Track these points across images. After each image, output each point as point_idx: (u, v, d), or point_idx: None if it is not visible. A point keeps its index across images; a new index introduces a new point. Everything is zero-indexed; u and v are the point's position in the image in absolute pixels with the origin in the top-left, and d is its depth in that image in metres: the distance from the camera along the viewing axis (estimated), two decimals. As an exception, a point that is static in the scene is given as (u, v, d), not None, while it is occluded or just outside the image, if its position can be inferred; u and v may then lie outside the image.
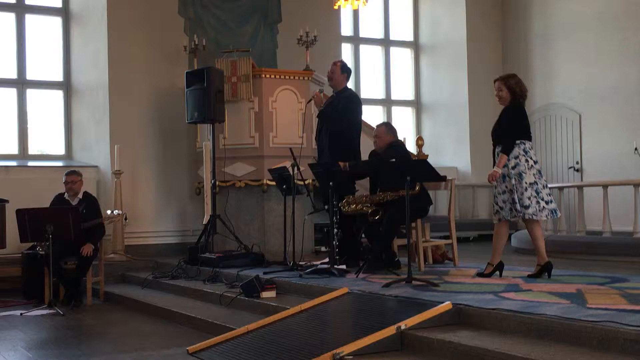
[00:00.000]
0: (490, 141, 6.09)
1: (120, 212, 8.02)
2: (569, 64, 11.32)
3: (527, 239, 9.18)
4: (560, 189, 9.32)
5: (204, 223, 8.44)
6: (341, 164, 6.83)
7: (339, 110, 7.23)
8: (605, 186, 8.51)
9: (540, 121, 11.77)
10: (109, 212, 8.01)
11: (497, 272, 6.07)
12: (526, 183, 5.79)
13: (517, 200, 5.79)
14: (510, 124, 5.88)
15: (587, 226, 8.73)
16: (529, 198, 5.78)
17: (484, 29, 12.34)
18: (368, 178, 7.23)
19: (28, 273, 7.92)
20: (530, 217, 5.80)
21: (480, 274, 6.08)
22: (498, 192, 5.91)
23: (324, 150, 7.34)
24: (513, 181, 5.81)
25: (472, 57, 12.18)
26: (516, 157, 5.82)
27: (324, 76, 8.50)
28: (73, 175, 7.90)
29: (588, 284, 5.49)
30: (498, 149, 5.91)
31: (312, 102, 7.61)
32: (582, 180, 10.93)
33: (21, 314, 7.00)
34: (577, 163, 11.20)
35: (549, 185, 9.59)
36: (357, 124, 7.40)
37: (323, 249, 8.95)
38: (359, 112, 7.42)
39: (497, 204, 5.94)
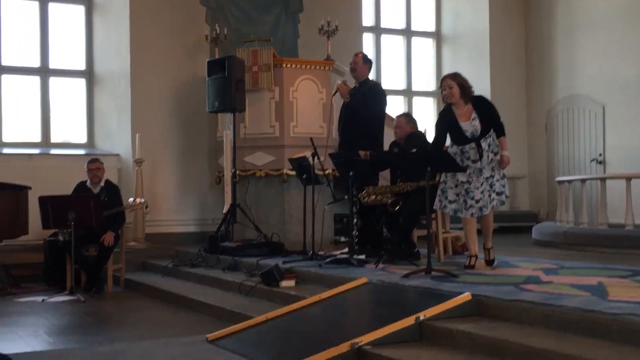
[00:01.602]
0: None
1: (142, 200, 8.06)
2: (592, 55, 11.18)
3: (548, 231, 9.14)
4: (583, 181, 9.23)
5: (224, 212, 8.46)
6: (362, 152, 6.82)
7: (363, 101, 7.21)
8: (628, 179, 8.42)
9: (563, 113, 11.66)
10: (130, 200, 8.06)
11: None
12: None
13: (495, 189, 5.95)
14: (496, 110, 6.06)
15: (610, 219, 8.64)
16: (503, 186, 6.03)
17: (506, 20, 12.22)
18: (389, 169, 7.21)
19: (50, 260, 8.00)
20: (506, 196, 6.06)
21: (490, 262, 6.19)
22: (497, 179, 5.95)
23: (347, 141, 7.32)
24: (493, 168, 5.94)
25: (495, 48, 12.08)
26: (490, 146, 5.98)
27: (345, 66, 8.48)
28: (96, 163, 7.97)
29: (609, 277, 5.44)
30: (486, 139, 5.91)
31: (337, 93, 7.58)
32: (604, 172, 10.82)
33: (43, 300, 7.07)
34: (600, 155, 11.08)
35: (572, 178, 9.56)
36: (381, 115, 7.39)
37: (342, 239, 8.94)
38: (384, 104, 7.41)
39: (495, 190, 5.96)
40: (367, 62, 7.45)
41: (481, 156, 5.89)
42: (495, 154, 5.94)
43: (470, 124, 5.94)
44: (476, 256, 6.09)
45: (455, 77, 6.05)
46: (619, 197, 8.62)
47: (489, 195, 5.94)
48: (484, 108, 6.02)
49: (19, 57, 9.73)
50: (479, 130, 5.92)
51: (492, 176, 5.94)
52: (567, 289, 4.77)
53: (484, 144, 5.92)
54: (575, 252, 8.06)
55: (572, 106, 11.51)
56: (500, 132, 5.98)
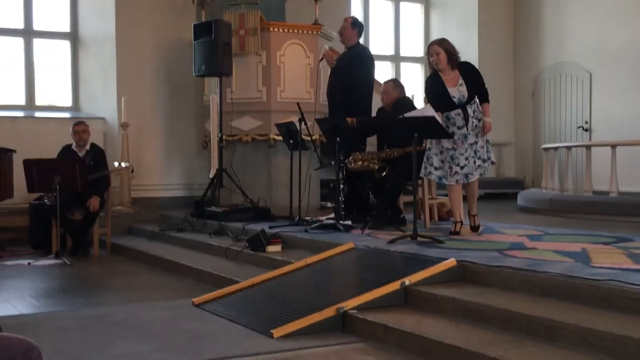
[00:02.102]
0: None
1: (127, 164, 8.02)
2: (581, 21, 11.15)
3: (533, 198, 9.20)
4: (569, 148, 9.27)
5: (210, 177, 8.45)
6: (349, 119, 6.80)
7: (351, 66, 7.16)
8: (613, 146, 8.47)
9: (550, 80, 11.66)
10: (116, 164, 8.02)
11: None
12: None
13: (480, 155, 5.99)
14: (481, 76, 6.08)
15: (595, 186, 8.71)
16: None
17: (496, -15, 12.15)
18: (376, 135, 7.20)
19: (35, 223, 7.97)
20: (492, 162, 6.15)
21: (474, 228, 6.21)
22: (481, 146, 5.98)
23: (334, 107, 7.29)
24: (477, 135, 5.97)
25: (483, 13, 12.02)
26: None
27: (332, 31, 8.41)
28: (82, 125, 7.92)
29: (593, 243, 5.49)
30: (471, 105, 5.92)
31: (324, 60, 7.53)
32: (590, 140, 10.86)
33: (29, 263, 7.07)
34: (587, 123, 11.11)
35: (558, 145, 9.60)
36: (369, 80, 7.34)
37: (329, 204, 8.97)
38: (372, 69, 7.34)
39: (480, 157, 5.99)
40: (357, 26, 7.33)
41: (467, 122, 5.90)
42: (479, 120, 5.96)
43: (458, 90, 5.94)
44: (461, 222, 6.13)
45: (442, 43, 6.04)
46: (604, 164, 8.68)
47: (474, 162, 5.96)
48: (470, 74, 6.03)
49: (1, 18, 9.57)
50: (466, 96, 5.93)
51: (476, 142, 5.97)
52: (551, 255, 4.82)
53: (469, 110, 5.92)
54: (560, 218, 8.13)
55: (560, 73, 11.51)
56: (484, 98, 6.00)
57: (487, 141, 6.06)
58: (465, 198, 6.23)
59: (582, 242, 5.57)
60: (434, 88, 6.04)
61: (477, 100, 5.99)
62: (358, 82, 7.15)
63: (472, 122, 5.93)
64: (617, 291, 3.69)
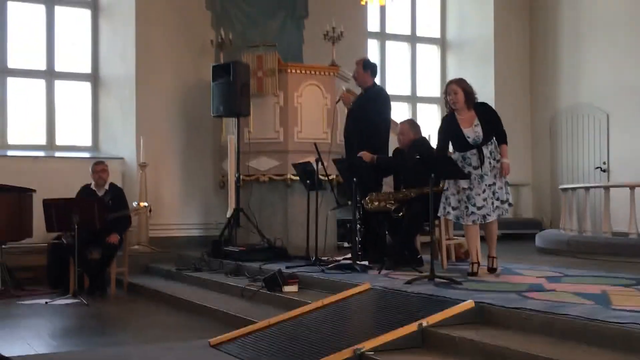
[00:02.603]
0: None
1: (145, 204, 8.07)
2: (597, 62, 11.18)
3: (551, 239, 9.13)
4: (587, 189, 9.22)
5: (227, 216, 8.47)
6: (367, 155, 6.81)
7: (367, 108, 7.19)
8: (632, 187, 8.41)
9: (567, 120, 11.66)
10: (134, 204, 8.08)
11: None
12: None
13: (498, 196, 5.99)
14: (499, 117, 6.08)
15: (613, 227, 8.63)
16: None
17: (511, 26, 12.23)
18: (392, 176, 7.20)
19: (53, 262, 8.00)
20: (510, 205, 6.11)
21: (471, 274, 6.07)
22: (499, 187, 5.97)
23: (351, 149, 7.30)
24: (495, 175, 5.96)
25: (499, 54, 12.09)
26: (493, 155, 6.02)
27: (350, 72, 8.48)
28: (102, 165, 8.00)
29: (613, 285, 5.43)
30: (488, 146, 5.93)
31: (341, 102, 7.58)
32: (608, 180, 10.80)
33: (46, 302, 7.08)
34: (604, 163, 11.07)
35: (576, 186, 9.55)
36: (386, 121, 7.35)
37: (346, 244, 8.95)
38: (388, 109, 7.37)
39: (498, 199, 5.97)
40: (368, 68, 7.35)
41: (482, 162, 5.90)
42: (497, 161, 5.95)
43: (473, 130, 5.95)
44: (478, 263, 6.09)
45: (460, 82, 6.08)
46: (622, 205, 8.60)
47: (492, 203, 5.94)
48: (486, 114, 6.03)
49: (25, 60, 9.77)
50: (481, 137, 5.94)
51: (494, 184, 5.94)
52: (570, 297, 4.77)
53: (485, 151, 5.93)
54: (579, 260, 8.05)
55: (577, 113, 11.50)
56: (501, 139, 5.99)
57: (506, 183, 6.04)
58: (483, 239, 6.19)
59: (602, 284, 5.50)
60: (449, 128, 6.06)
61: (495, 141, 5.99)
62: (374, 124, 7.17)
63: (490, 163, 5.92)
64: (638, 334, 3.63)
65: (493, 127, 5.98)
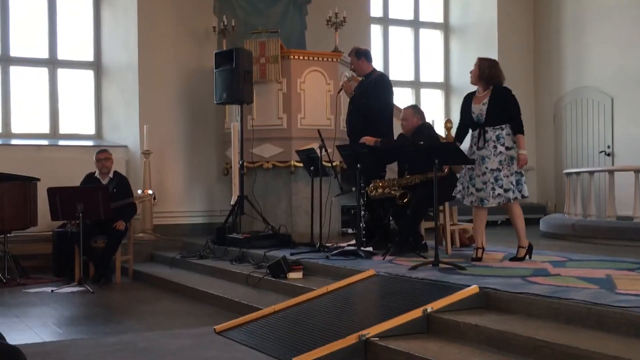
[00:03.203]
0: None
1: (150, 192, 8.09)
2: (601, 46, 11.12)
3: (556, 224, 9.13)
4: (591, 173, 9.20)
5: (231, 204, 8.48)
6: (371, 139, 6.80)
7: (369, 94, 7.18)
8: (636, 171, 8.39)
9: (572, 105, 11.62)
10: (139, 191, 8.09)
11: (527, 255, 6.04)
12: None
13: (502, 184, 5.89)
14: (517, 106, 5.99)
15: (618, 211, 8.62)
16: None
17: (515, 11, 12.17)
18: (396, 162, 7.20)
19: (59, 251, 8.04)
20: (523, 196, 5.98)
21: (514, 259, 6.04)
22: (505, 175, 5.87)
23: (355, 136, 7.29)
24: (501, 162, 5.87)
25: (503, 39, 12.03)
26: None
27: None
28: (105, 153, 8.01)
29: (618, 269, 5.43)
30: (496, 129, 5.87)
31: (342, 90, 7.56)
32: (613, 165, 10.78)
33: (52, 290, 7.11)
34: (609, 147, 11.04)
35: (580, 170, 9.54)
36: (388, 106, 7.35)
37: (350, 230, 8.95)
38: (390, 95, 7.36)
39: (501, 186, 5.86)
40: (361, 55, 7.33)
41: (484, 142, 5.88)
42: (508, 149, 5.87)
43: (479, 107, 5.97)
44: (482, 248, 6.08)
45: (482, 60, 6.13)
46: (627, 189, 8.59)
47: (493, 189, 5.87)
48: (500, 97, 5.95)
49: (27, 48, 9.75)
50: (484, 115, 5.92)
51: (499, 170, 5.86)
52: (575, 282, 4.77)
53: (491, 133, 5.89)
54: (583, 244, 8.05)
55: (581, 98, 11.46)
56: (516, 129, 5.89)
57: (517, 172, 5.90)
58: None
59: (607, 268, 5.50)
60: (465, 104, 6.16)
61: (510, 129, 5.90)
62: (376, 109, 7.17)
63: (496, 148, 5.87)
64: (643, 318, 3.64)
65: (502, 111, 5.90)
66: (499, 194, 5.88)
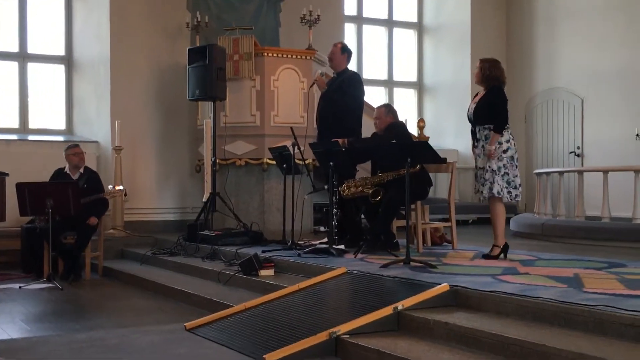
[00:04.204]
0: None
1: (121, 187, 8.03)
2: (572, 47, 11.26)
3: (527, 223, 9.22)
4: (561, 173, 9.31)
5: (203, 201, 8.44)
6: (340, 140, 6.83)
7: (340, 91, 7.21)
8: (605, 172, 8.51)
9: (542, 105, 11.74)
10: (110, 187, 8.02)
11: (502, 254, 6.10)
12: (517, 166, 6.05)
13: (508, 182, 5.98)
14: (503, 105, 6.05)
15: (587, 211, 8.73)
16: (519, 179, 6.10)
17: (488, 11, 12.27)
18: (370, 162, 7.22)
19: (27, 247, 7.93)
20: (517, 198, 6.09)
21: (487, 256, 6.10)
22: (486, 170, 5.99)
23: (324, 131, 7.32)
24: (503, 163, 5.96)
25: (476, 39, 12.13)
26: (508, 141, 6.01)
27: (326, 56, 8.46)
28: (76, 148, 7.93)
29: (585, 268, 5.50)
30: (484, 129, 6.00)
31: (315, 85, 7.58)
32: (582, 165, 10.92)
33: (20, 287, 7.03)
34: (578, 148, 11.18)
35: (550, 170, 9.65)
36: (359, 104, 7.38)
37: (322, 228, 8.97)
38: (361, 93, 7.40)
39: (487, 180, 5.97)
40: (345, 51, 7.42)
41: (476, 141, 6.06)
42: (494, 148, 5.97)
43: (472, 106, 6.14)
44: (498, 246, 6.11)
45: (484, 61, 6.21)
46: (596, 189, 8.71)
47: (482, 185, 6.05)
48: (490, 96, 6.06)
49: (-4, 42, 9.62)
50: (472, 113, 6.08)
51: (483, 168, 6.02)
52: (544, 281, 4.82)
53: (479, 132, 6.04)
54: (553, 243, 8.14)
55: (551, 98, 11.60)
56: (494, 127, 5.98)
57: (496, 171, 5.94)
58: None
59: (575, 267, 5.58)
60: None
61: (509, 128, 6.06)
62: (347, 106, 7.20)
63: (484, 147, 6.02)
64: (609, 317, 3.69)
65: (489, 110, 6.00)
66: (478, 190, 6.10)
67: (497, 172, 5.95)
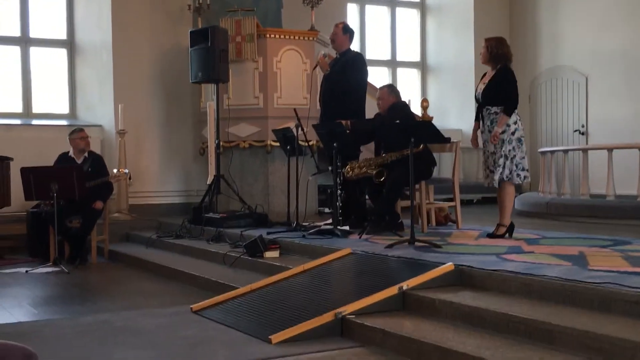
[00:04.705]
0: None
1: (125, 171, 8.04)
2: (576, 26, 11.19)
3: (531, 202, 9.22)
4: (565, 151, 9.29)
5: (207, 183, 8.45)
6: (343, 122, 6.82)
7: (343, 71, 7.18)
8: (610, 149, 8.49)
9: (547, 84, 11.69)
10: (114, 171, 8.03)
11: (508, 234, 6.10)
12: (524, 148, 6.02)
13: (516, 165, 5.94)
14: (513, 87, 5.99)
15: (591, 189, 8.72)
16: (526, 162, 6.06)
17: (491, -10, 12.19)
18: (373, 143, 7.21)
19: (33, 231, 7.97)
20: (525, 179, 6.06)
21: (491, 235, 6.10)
22: (499, 156, 5.92)
23: (327, 113, 7.30)
24: (513, 145, 5.91)
25: (479, 18, 12.05)
26: (515, 123, 5.97)
27: (329, 36, 8.43)
28: (81, 132, 7.92)
29: (590, 246, 5.50)
30: (494, 109, 5.94)
31: (318, 67, 7.55)
32: (587, 143, 10.89)
33: (26, 271, 7.06)
34: (583, 126, 11.14)
35: (555, 149, 9.63)
36: (362, 85, 7.36)
37: (326, 210, 8.97)
38: (364, 73, 7.37)
39: (499, 165, 5.93)
40: (347, 32, 7.37)
41: (483, 124, 6.02)
42: (502, 132, 5.92)
43: (480, 86, 6.09)
44: (502, 225, 6.09)
45: (490, 40, 6.16)
46: (601, 167, 8.69)
47: (490, 170, 6.01)
48: (499, 76, 6.01)
49: (-2, 26, 9.60)
50: (480, 94, 6.03)
51: (494, 153, 5.97)
52: (549, 259, 4.83)
53: (485, 114, 6.00)
54: (557, 222, 8.14)
55: (556, 77, 11.54)
56: (505, 109, 5.91)
57: (506, 155, 5.91)
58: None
59: (580, 245, 5.58)
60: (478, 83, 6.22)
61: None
62: (351, 87, 7.18)
63: (490, 132, 5.96)
64: (614, 294, 3.69)
65: (498, 91, 5.94)
66: (491, 173, 6.03)
67: (508, 156, 5.93)
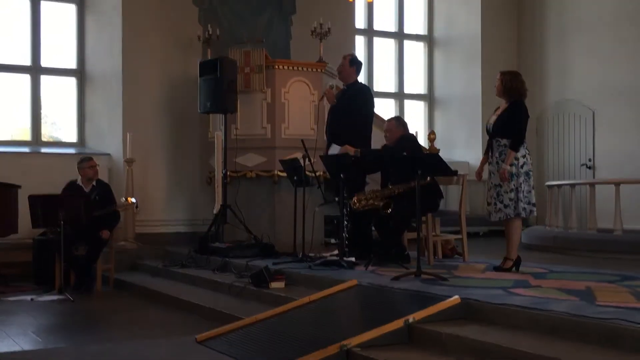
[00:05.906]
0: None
1: (133, 200, 8.05)
2: (584, 60, 11.24)
3: (538, 236, 9.19)
4: (572, 186, 9.28)
5: (214, 213, 8.46)
6: (351, 148, 6.83)
7: (350, 104, 7.22)
8: (617, 184, 8.47)
9: (554, 117, 11.72)
10: (122, 200, 8.05)
11: (514, 267, 6.08)
12: (532, 182, 6.03)
13: (522, 199, 5.94)
14: (521, 121, 6.00)
15: (599, 224, 8.69)
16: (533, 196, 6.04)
17: (499, 24, 12.27)
18: (379, 173, 7.22)
19: (39, 258, 7.97)
20: (531, 213, 6.07)
21: (498, 268, 6.07)
22: (505, 191, 5.93)
23: (334, 144, 7.32)
24: (521, 179, 5.93)
25: (486, 51, 12.12)
26: (524, 156, 5.99)
27: (336, 68, 8.49)
28: (91, 161, 7.95)
29: (598, 281, 5.47)
30: (504, 141, 5.95)
31: (325, 98, 7.60)
32: (594, 177, 10.87)
33: (32, 299, 7.05)
34: (590, 160, 11.14)
35: (562, 182, 9.62)
36: (369, 117, 7.39)
37: (333, 240, 8.96)
38: (371, 105, 7.41)
39: (502, 202, 5.94)
40: (354, 64, 7.43)
41: (491, 155, 6.04)
42: (510, 166, 5.93)
43: (493, 118, 6.11)
44: (509, 259, 6.08)
45: (504, 74, 6.17)
46: (608, 202, 8.67)
47: (495, 204, 5.99)
48: (510, 110, 6.03)
49: (9, 55, 9.69)
50: (491, 126, 6.06)
51: (500, 185, 5.96)
52: (556, 293, 4.80)
53: (495, 146, 6.02)
54: (564, 256, 8.10)
55: (563, 111, 11.57)
56: (511, 143, 5.94)
57: (514, 188, 5.91)
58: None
59: (587, 280, 5.54)
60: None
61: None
62: (357, 119, 7.21)
63: (498, 163, 5.97)
64: (622, 330, 3.67)
65: (508, 122, 5.97)
66: (499, 209, 5.99)
67: (519, 190, 5.93)
